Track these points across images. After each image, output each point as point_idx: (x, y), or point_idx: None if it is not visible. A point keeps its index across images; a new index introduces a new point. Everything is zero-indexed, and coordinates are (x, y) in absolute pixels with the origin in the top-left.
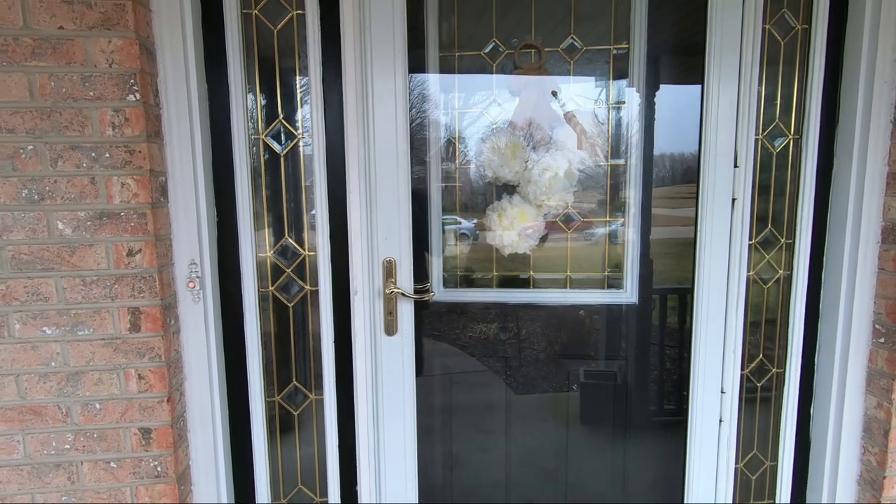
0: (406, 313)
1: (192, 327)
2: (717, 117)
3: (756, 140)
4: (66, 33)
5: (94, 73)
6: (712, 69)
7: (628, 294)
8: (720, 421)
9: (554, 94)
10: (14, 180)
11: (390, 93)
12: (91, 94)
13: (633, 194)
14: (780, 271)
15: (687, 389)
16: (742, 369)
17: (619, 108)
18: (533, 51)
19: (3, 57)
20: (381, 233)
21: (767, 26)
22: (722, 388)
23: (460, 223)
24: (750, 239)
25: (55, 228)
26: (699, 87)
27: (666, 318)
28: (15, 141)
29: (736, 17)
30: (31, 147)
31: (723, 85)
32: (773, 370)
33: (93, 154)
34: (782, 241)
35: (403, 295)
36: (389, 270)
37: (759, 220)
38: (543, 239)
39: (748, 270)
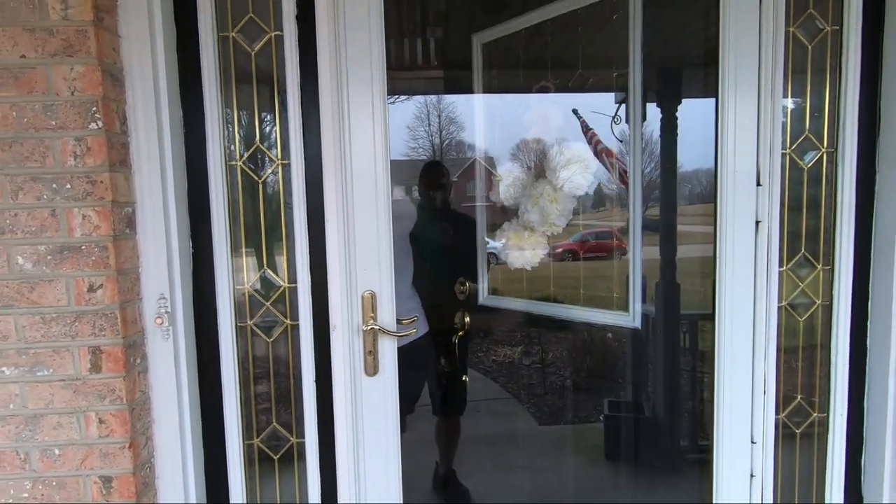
0: (388, 352)
1: (161, 366)
2: (735, 131)
3: (783, 155)
4: (29, 62)
5: (56, 102)
6: (727, 79)
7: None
8: (751, 476)
9: (575, 112)
10: None
11: (368, 116)
12: (53, 123)
13: (635, 214)
14: (819, 301)
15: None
16: (777, 413)
17: (628, 127)
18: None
19: None
20: (359, 263)
21: (792, 29)
22: (752, 438)
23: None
24: (781, 265)
25: (15, 263)
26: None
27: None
28: None
29: (752, 19)
30: None
31: (740, 95)
32: (815, 415)
33: (54, 185)
34: (819, 266)
35: (384, 331)
36: (370, 304)
37: (792, 243)
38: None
39: (780, 300)
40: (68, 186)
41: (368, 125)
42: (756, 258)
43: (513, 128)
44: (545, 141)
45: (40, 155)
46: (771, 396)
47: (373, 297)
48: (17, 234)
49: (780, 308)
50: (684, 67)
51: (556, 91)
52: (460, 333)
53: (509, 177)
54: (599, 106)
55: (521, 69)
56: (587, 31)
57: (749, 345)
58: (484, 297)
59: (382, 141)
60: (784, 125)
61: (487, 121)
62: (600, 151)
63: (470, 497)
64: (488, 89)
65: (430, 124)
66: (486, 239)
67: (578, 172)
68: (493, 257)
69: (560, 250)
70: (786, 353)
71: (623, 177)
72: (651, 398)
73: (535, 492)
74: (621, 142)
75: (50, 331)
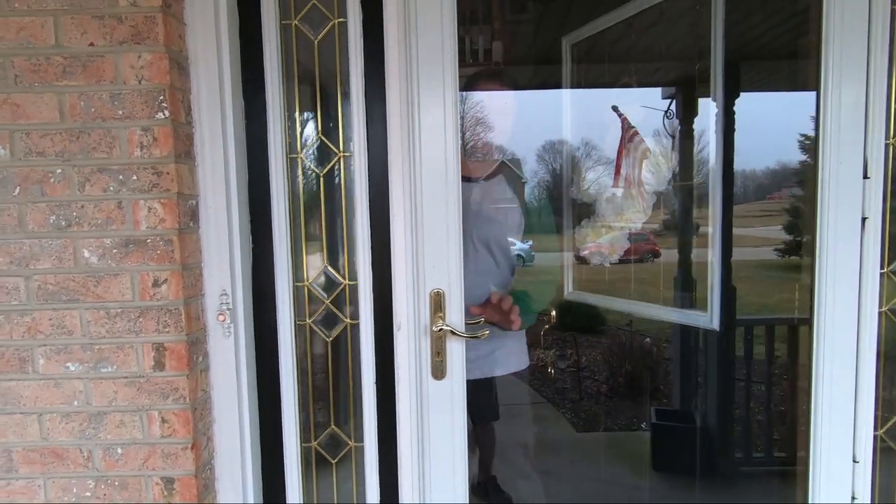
0: (457, 354)
1: (221, 364)
2: (840, 119)
3: (887, 145)
4: (97, 49)
5: (124, 91)
6: (831, 61)
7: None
8: (853, 498)
9: (615, 108)
10: (42, 206)
11: (439, 106)
12: (120, 112)
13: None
14: None
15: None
16: (875, 429)
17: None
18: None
19: (35, 77)
20: (427, 260)
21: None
22: (854, 457)
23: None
24: (882, 266)
25: (81, 257)
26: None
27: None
28: (45, 165)
29: None
30: (59, 171)
31: (846, 79)
32: None
33: (120, 177)
34: None
35: (454, 333)
36: (438, 304)
37: (894, 242)
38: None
39: (880, 305)
40: (134, 178)
41: (439, 117)
42: (862, 258)
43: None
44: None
45: (107, 145)
46: (871, 411)
47: (441, 296)
48: (83, 227)
49: (880, 314)
50: (743, 59)
51: (637, 86)
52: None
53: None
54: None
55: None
56: (658, 27)
57: (852, 354)
58: (568, 291)
59: (454, 133)
60: (888, 112)
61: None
62: (643, 152)
63: (512, 502)
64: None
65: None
66: (512, 240)
67: (650, 170)
68: (520, 259)
69: (586, 253)
70: (886, 363)
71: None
72: (701, 407)
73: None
74: (673, 137)
75: (114, 326)
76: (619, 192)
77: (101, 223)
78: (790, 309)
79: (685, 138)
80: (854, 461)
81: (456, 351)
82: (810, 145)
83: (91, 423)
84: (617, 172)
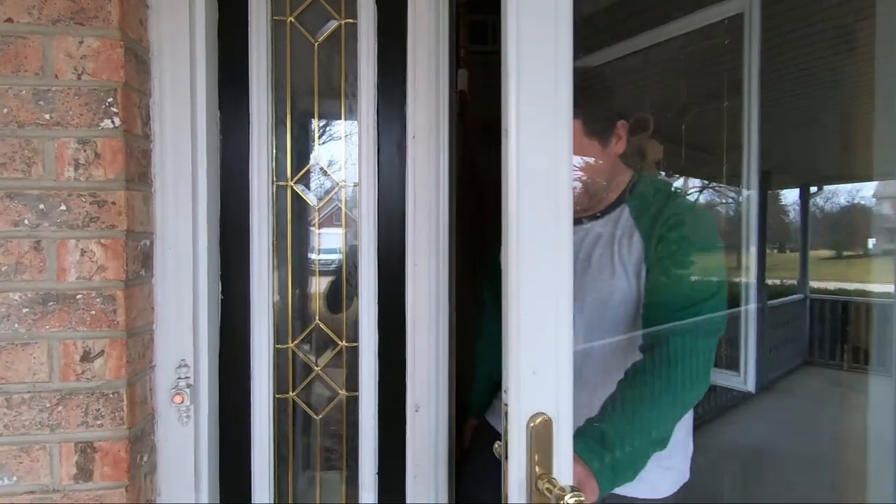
0: None
1: (175, 462)
2: None
3: None
4: (16, 28)
5: (54, 87)
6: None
7: None
8: None
9: None
10: None
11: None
12: (46, 117)
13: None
14: None
15: None
16: None
17: None
18: None
19: None
20: (524, 359)
21: None
22: None
23: None
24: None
25: None
26: None
27: None
28: None
29: None
30: None
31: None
32: None
33: (41, 206)
34: None
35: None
36: (543, 442)
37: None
38: None
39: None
40: (62, 208)
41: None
42: None
43: None
44: None
45: (23, 161)
46: None
47: (548, 425)
48: None
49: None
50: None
51: None
52: None
53: None
54: None
55: None
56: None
57: None
58: None
59: (567, 162)
60: None
61: None
62: None
63: None
64: None
65: None
66: None
67: None
68: None
69: None
70: None
71: None
72: None
73: None
74: None
75: (18, 419)
76: None
77: (5, 271)
78: None
79: None
80: None
81: None
82: None
83: None
84: None
